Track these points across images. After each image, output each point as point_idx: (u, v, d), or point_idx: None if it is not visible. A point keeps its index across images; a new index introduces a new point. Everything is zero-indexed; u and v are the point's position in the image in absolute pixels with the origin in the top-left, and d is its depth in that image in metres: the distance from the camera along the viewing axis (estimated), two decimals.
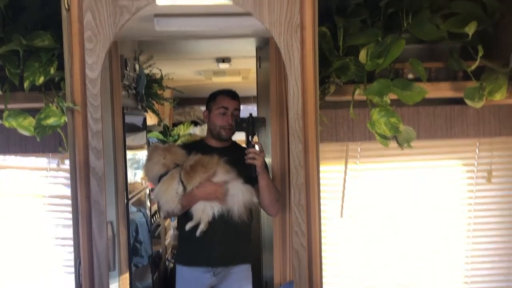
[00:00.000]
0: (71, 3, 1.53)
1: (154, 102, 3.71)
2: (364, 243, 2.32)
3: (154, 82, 3.65)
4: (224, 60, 4.18)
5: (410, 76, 1.97)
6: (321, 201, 2.26)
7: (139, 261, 2.93)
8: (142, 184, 3.12)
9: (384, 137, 1.73)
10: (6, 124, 1.64)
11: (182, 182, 2.04)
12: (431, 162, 2.32)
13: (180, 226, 2.19)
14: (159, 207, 2.15)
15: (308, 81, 1.59)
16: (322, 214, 2.25)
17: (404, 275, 2.33)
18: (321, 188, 2.26)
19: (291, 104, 1.58)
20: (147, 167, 2.15)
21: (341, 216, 2.31)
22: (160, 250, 4.08)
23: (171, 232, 4.89)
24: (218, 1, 1.78)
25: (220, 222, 2.04)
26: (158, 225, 3.98)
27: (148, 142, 3.69)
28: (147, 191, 3.33)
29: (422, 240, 2.33)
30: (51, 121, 1.57)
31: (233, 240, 2.12)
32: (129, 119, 2.65)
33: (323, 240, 2.13)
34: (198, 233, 2.05)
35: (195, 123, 6.24)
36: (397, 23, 1.88)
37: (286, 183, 2.35)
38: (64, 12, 1.54)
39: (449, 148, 2.30)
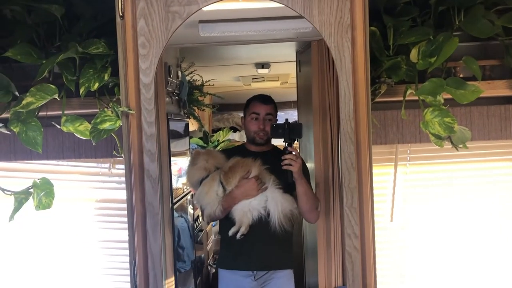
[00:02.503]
0: (125, 10, 1.57)
1: (195, 108, 3.78)
2: (414, 248, 2.27)
3: (195, 89, 3.71)
4: (264, 65, 4.20)
5: (462, 75, 1.92)
6: None
7: (181, 266, 2.96)
8: (183, 190, 3.17)
9: (438, 137, 1.68)
10: (64, 129, 1.70)
11: (221, 183, 2.06)
12: (484, 164, 2.24)
13: (222, 231, 2.21)
14: (202, 211, 2.17)
15: (360, 82, 1.57)
16: None
17: (457, 278, 2.26)
18: None
19: (342, 105, 1.57)
20: (190, 172, 2.17)
21: (391, 220, 2.26)
22: (202, 255, 4.11)
23: (212, 237, 4.94)
24: (266, 4, 1.78)
25: (261, 227, 2.04)
26: (201, 230, 4.02)
27: (190, 148, 3.75)
28: (189, 197, 3.38)
29: (475, 246, 2.25)
30: (106, 125, 1.61)
31: (274, 245, 2.11)
32: (172, 125, 2.71)
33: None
34: (238, 235, 2.06)
35: (234, 129, 6.29)
36: (448, 20, 1.84)
37: (330, 188, 2.33)
38: (118, 19, 1.59)
39: (504, 150, 2.22)
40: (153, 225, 1.59)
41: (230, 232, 2.08)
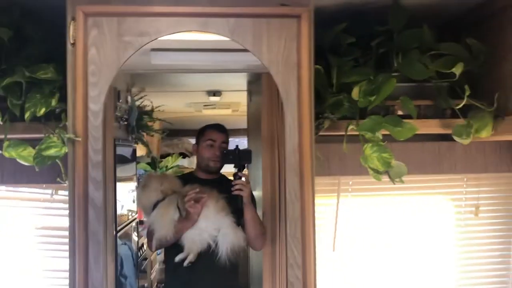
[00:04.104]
0: (76, 37, 1.58)
1: (144, 134, 3.75)
2: (356, 277, 2.34)
3: (144, 114, 3.69)
4: (215, 93, 4.23)
5: (400, 112, 2.05)
6: None
7: None
8: (128, 217, 3.12)
9: (376, 172, 1.78)
10: (6, 155, 1.66)
11: (179, 208, 2.07)
12: (421, 197, 2.38)
13: (168, 259, 2.19)
14: (150, 236, 2.15)
15: (305, 117, 1.64)
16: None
17: None
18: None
19: (288, 138, 1.63)
20: (142, 195, 2.17)
21: (333, 250, 2.33)
22: (146, 285, 4.01)
23: (157, 266, 4.83)
24: (218, 37, 1.84)
25: (208, 257, 2.06)
26: (145, 259, 3.94)
27: (136, 174, 3.70)
28: (134, 224, 3.32)
29: (413, 273, 2.36)
30: (52, 151, 1.59)
31: (220, 276, 2.12)
32: (119, 150, 2.66)
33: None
34: (186, 263, 2.06)
35: (184, 155, 6.26)
36: (388, 62, 1.96)
37: (276, 216, 2.37)
38: (69, 47, 1.59)
39: (439, 183, 2.37)
40: (96, 254, 1.57)
41: (177, 258, 2.08)
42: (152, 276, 4.40)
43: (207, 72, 2.94)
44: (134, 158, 3.32)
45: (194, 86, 4.02)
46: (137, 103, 3.45)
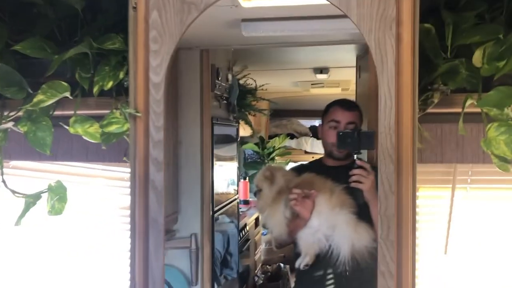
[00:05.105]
0: (138, 1, 1.41)
1: (248, 113, 3.62)
2: (472, 286, 1.92)
3: (248, 93, 3.55)
4: (322, 70, 3.99)
5: None
6: (420, 233, 1.94)
7: (229, 273, 2.86)
8: (231, 196, 3.04)
9: (503, 160, 1.36)
10: (72, 130, 1.57)
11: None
12: None
13: (294, 264, 1.94)
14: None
15: (405, 88, 1.29)
16: (421, 250, 1.92)
17: None
18: (420, 217, 1.93)
19: (382, 116, 1.29)
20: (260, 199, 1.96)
21: (445, 253, 1.93)
22: (250, 265, 3.97)
23: (262, 247, 4.75)
24: (312, 1, 1.56)
25: (328, 260, 1.78)
26: (247, 240, 3.87)
27: (238, 153, 3.63)
28: (236, 202, 3.24)
29: None
30: (113, 128, 1.46)
31: (343, 281, 1.83)
32: (219, 129, 2.60)
33: (421, 281, 1.80)
34: (302, 266, 1.81)
35: (292, 136, 6.08)
36: None
37: None
38: (131, 11, 1.43)
39: None
40: (156, 244, 1.40)
41: (297, 264, 1.84)
42: (256, 257, 4.35)
43: (311, 46, 2.68)
44: (236, 137, 3.23)
45: (300, 63, 3.81)
46: (241, 81, 3.34)
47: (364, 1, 1.29)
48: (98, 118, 1.61)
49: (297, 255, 1.86)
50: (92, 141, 1.58)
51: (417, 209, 1.95)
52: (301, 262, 1.82)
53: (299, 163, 2.20)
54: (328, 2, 1.34)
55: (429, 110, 1.57)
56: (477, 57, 1.43)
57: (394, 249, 1.29)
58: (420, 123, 1.72)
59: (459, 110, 1.50)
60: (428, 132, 1.72)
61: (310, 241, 1.80)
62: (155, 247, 1.40)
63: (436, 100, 1.48)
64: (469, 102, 1.44)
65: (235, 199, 3.16)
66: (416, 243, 1.32)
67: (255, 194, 1.99)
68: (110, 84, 1.59)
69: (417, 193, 1.98)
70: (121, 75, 1.60)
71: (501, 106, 1.36)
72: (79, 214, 2.13)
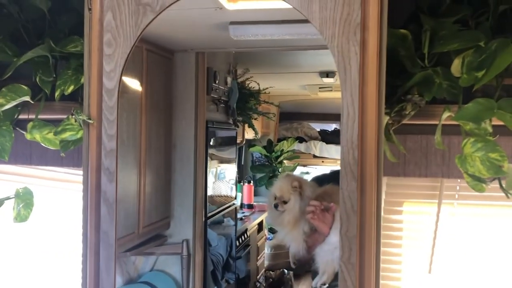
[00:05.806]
0: (93, 2, 1.34)
1: (251, 117, 3.55)
2: None
3: (251, 96, 3.47)
4: (328, 74, 3.89)
5: None
6: (402, 250, 1.83)
7: (230, 277, 2.83)
8: (229, 200, 2.98)
9: (477, 180, 1.24)
10: (28, 137, 1.50)
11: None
12: None
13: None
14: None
15: (369, 99, 1.19)
16: (402, 268, 1.81)
17: None
18: (404, 233, 1.82)
19: (345, 129, 1.19)
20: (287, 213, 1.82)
21: (430, 272, 1.81)
22: (250, 270, 3.88)
23: (266, 251, 4.64)
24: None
25: None
26: (247, 245, 3.79)
27: (239, 157, 3.55)
28: (235, 207, 3.19)
29: None
30: (67, 135, 1.39)
31: None
32: (216, 133, 2.57)
33: None
34: (319, 285, 1.72)
35: (300, 140, 5.97)
36: (510, 24, 1.39)
37: None
38: (86, 13, 1.36)
39: None
40: (107, 258, 1.33)
41: (313, 283, 1.75)
42: (259, 263, 4.25)
43: (308, 49, 2.59)
44: (234, 141, 3.16)
45: (304, 66, 3.72)
46: (245, 84, 3.27)
47: (327, 4, 1.20)
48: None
49: (315, 273, 1.76)
50: (51, 148, 1.51)
51: (400, 225, 1.89)
52: (318, 281, 1.72)
53: (321, 173, 2.07)
54: None
55: (414, 121, 1.46)
56: (456, 66, 1.32)
57: (355, 273, 1.19)
58: (403, 134, 1.61)
59: (437, 122, 1.39)
60: (413, 144, 1.62)
61: (328, 259, 1.70)
62: (106, 261, 1.33)
63: (410, 112, 1.37)
64: (446, 114, 1.32)
65: (234, 204, 3.10)
66: (380, 267, 1.21)
67: (275, 206, 1.83)
68: (71, 88, 1.52)
69: (401, 208, 1.89)
70: (83, 79, 1.52)
71: (478, 120, 1.25)
72: (65, 216, 2.08)
